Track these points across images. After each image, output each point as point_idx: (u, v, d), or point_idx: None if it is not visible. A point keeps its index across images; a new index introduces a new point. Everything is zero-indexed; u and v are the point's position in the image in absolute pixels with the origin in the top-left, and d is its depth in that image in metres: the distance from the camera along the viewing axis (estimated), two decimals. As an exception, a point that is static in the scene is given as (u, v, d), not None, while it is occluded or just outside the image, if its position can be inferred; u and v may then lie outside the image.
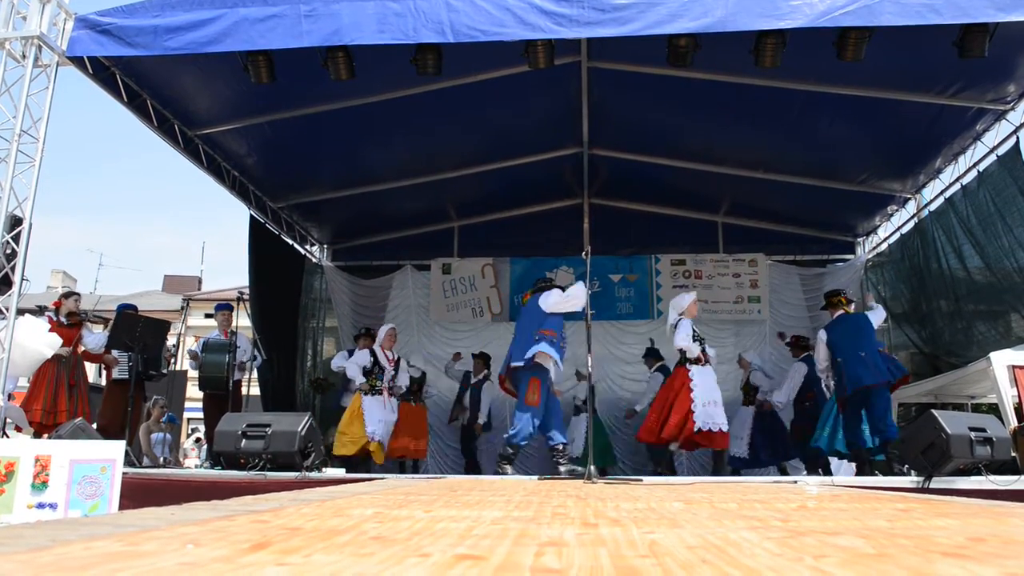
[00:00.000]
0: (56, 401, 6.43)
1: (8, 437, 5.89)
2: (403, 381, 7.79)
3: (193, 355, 7.52)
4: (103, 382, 7.70)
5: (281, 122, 7.12)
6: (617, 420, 9.47)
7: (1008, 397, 6.20)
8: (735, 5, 4.72)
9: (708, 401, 6.32)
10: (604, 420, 9.24)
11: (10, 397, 6.39)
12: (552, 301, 6.02)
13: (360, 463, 7.17)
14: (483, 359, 8.88)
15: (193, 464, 12.10)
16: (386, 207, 9.28)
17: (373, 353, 7.49)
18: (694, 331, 6.59)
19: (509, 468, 5.92)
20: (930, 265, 8.01)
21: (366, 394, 7.31)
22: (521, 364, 5.90)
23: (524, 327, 6.12)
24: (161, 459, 8.69)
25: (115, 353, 7.01)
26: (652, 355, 8.78)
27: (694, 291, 7.32)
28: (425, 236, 10.17)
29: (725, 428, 6.40)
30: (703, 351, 6.63)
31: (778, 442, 8.05)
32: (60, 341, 6.42)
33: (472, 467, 8.74)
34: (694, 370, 6.48)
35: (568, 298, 6.01)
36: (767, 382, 8.35)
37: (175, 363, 9.49)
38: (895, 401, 8.57)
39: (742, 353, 8.86)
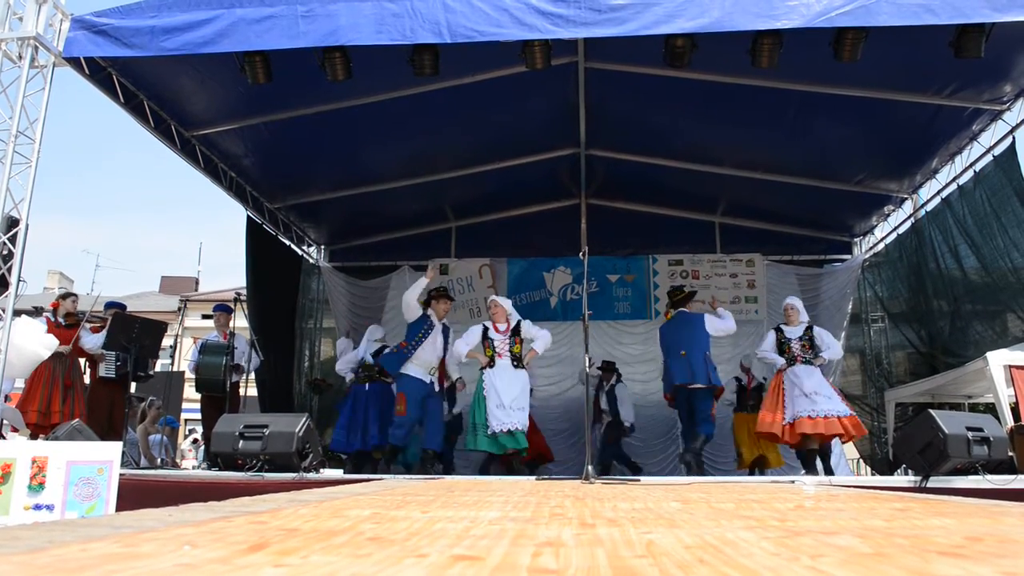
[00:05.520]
0: (51, 402, 6.42)
1: (4, 438, 5.89)
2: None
3: (194, 368, 7.45)
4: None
5: (278, 123, 7.11)
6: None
7: (1005, 396, 6.23)
8: (732, 5, 4.72)
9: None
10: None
11: (7, 399, 6.39)
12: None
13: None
14: (610, 367, 8.64)
15: (190, 465, 12.07)
16: (383, 208, 9.27)
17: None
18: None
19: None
20: (927, 265, 8.03)
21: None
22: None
23: None
24: (158, 460, 8.66)
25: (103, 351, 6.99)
26: None
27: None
28: (422, 237, 10.15)
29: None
30: None
31: None
32: (57, 342, 6.40)
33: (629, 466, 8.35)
34: None
35: None
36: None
37: (172, 364, 9.47)
38: (891, 402, 8.62)
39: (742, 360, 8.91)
